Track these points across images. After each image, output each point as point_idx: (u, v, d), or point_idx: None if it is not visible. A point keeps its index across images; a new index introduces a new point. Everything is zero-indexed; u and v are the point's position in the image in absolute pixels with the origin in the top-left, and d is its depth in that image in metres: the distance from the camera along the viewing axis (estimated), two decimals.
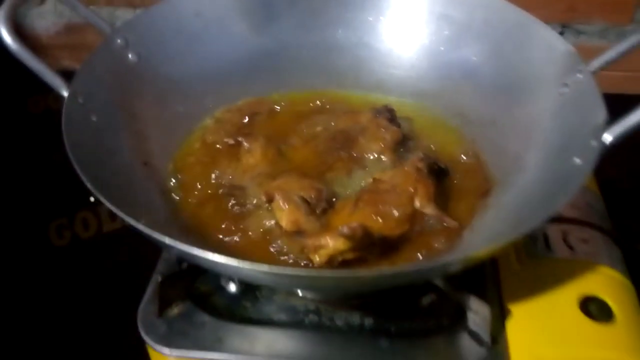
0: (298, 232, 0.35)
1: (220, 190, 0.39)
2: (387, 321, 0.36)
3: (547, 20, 0.70)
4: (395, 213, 0.36)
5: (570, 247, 0.39)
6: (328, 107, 0.46)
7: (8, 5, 0.36)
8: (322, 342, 0.35)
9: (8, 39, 0.36)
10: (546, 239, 0.39)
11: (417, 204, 0.37)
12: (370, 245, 0.33)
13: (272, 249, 0.35)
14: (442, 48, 0.48)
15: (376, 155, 0.41)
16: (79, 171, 0.33)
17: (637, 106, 0.34)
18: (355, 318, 0.37)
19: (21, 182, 0.59)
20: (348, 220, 0.35)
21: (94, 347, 0.45)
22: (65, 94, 0.37)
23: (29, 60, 0.37)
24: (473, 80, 0.46)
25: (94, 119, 0.37)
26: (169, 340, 0.35)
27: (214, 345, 0.35)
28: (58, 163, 0.58)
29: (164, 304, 0.36)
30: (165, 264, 0.39)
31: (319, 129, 0.44)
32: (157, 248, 0.41)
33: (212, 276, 0.38)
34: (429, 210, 0.37)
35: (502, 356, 0.34)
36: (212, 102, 0.46)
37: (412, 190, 0.37)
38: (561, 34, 0.72)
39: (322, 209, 0.36)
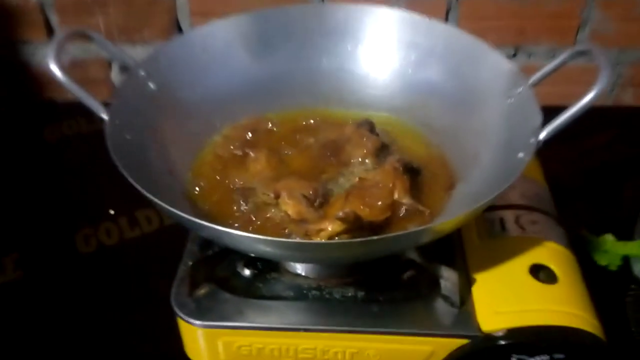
0: (302, 220, 0.43)
1: (234, 191, 0.46)
2: (376, 293, 0.44)
3: (501, 43, 0.79)
4: (379, 203, 0.44)
5: (522, 228, 0.47)
6: (317, 122, 0.54)
7: (56, 44, 0.44)
8: (323, 311, 0.43)
9: (57, 72, 0.43)
10: (502, 222, 0.48)
11: (396, 195, 0.45)
12: (360, 229, 0.41)
13: (279, 228, 0.43)
14: (410, 70, 0.55)
15: (360, 160, 0.49)
16: (127, 175, 0.39)
17: (561, 113, 0.42)
18: (349, 291, 0.44)
19: (48, 199, 0.65)
20: (341, 209, 0.43)
21: (126, 331, 0.51)
22: (105, 117, 0.44)
23: (75, 90, 0.44)
24: (436, 96, 0.53)
25: (127, 137, 0.44)
26: (198, 314, 0.42)
27: (235, 317, 0.42)
28: (79, 183, 0.65)
29: (192, 286, 0.43)
30: (189, 254, 0.46)
31: (311, 140, 0.51)
32: (172, 248, 0.48)
33: (229, 263, 0.46)
34: (406, 200, 0.45)
35: (470, 314, 0.42)
36: (219, 121, 0.53)
37: (392, 185, 0.45)
38: (514, 55, 0.80)
39: (319, 203, 0.44)
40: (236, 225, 0.43)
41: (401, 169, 0.46)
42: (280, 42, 0.55)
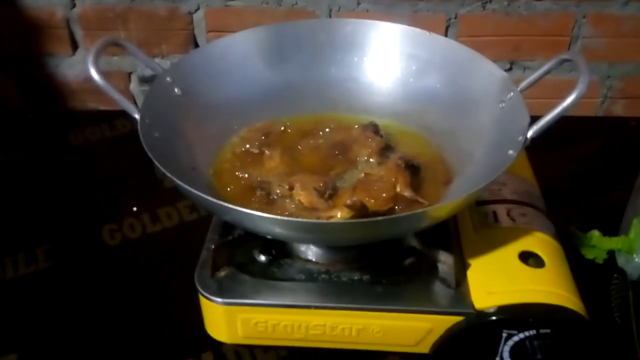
0: (313, 209, 0.47)
1: (251, 185, 0.51)
2: (380, 276, 0.49)
3: (498, 58, 0.84)
4: (383, 195, 0.48)
5: (513, 219, 0.51)
6: (326, 125, 0.58)
7: (94, 51, 0.49)
8: (332, 291, 0.47)
9: (96, 76, 0.48)
10: (495, 214, 0.52)
11: (398, 189, 0.49)
12: (365, 217, 0.46)
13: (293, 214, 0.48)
14: (411, 79, 0.59)
15: (366, 158, 0.53)
16: (159, 165, 0.44)
17: (545, 114, 0.47)
18: (356, 275, 0.49)
19: (76, 196, 0.70)
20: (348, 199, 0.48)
21: (148, 314, 0.55)
22: (137, 116, 0.49)
23: (111, 92, 0.49)
24: (435, 102, 0.57)
25: (156, 135, 0.49)
26: (219, 293, 0.47)
27: (253, 295, 0.47)
28: (104, 183, 0.70)
29: (214, 268, 0.48)
30: (210, 241, 0.51)
31: (321, 141, 0.56)
32: (190, 242, 0.52)
33: (247, 250, 0.50)
34: (407, 193, 0.49)
35: (465, 294, 0.46)
36: (237, 124, 0.57)
37: (394, 180, 0.50)
38: (510, 69, 0.84)
39: (329, 194, 0.49)
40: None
41: (403, 165, 0.51)
42: (293, 53, 0.60)
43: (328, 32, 0.61)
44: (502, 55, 0.83)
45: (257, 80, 0.59)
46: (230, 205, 0.40)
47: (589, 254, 0.59)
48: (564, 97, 0.46)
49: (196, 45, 0.85)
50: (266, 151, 0.54)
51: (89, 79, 0.49)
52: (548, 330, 0.44)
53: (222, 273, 0.48)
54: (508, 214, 0.52)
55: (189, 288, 0.49)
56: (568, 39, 0.82)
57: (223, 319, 0.47)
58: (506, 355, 0.46)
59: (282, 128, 0.58)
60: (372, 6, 0.81)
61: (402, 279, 0.48)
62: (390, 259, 0.50)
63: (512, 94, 0.51)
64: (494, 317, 0.44)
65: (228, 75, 0.58)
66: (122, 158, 0.74)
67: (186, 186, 0.42)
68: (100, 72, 0.49)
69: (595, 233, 0.59)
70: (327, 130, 0.57)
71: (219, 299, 0.46)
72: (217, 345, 0.50)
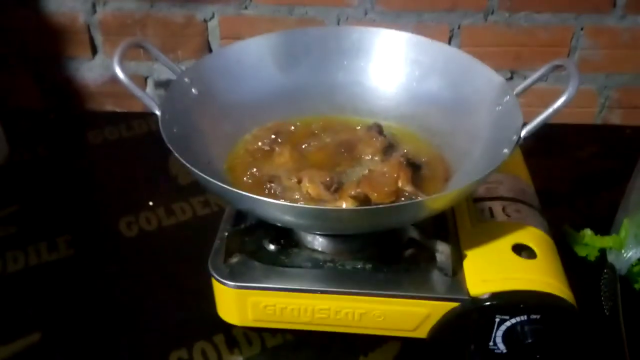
0: (320, 200, 0.51)
1: (262, 179, 0.54)
2: (382, 265, 0.52)
3: (499, 67, 0.86)
4: (385, 189, 0.51)
5: (508, 215, 0.54)
6: (333, 126, 0.61)
7: (120, 51, 0.52)
8: (336, 277, 0.51)
9: (121, 74, 0.51)
10: (491, 210, 0.55)
11: (400, 184, 0.52)
12: None
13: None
14: (414, 84, 0.61)
15: (370, 156, 0.56)
16: (179, 157, 0.47)
17: (537, 115, 0.50)
18: (359, 264, 0.52)
19: (95, 191, 0.73)
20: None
21: (163, 299, 0.58)
22: (158, 112, 0.52)
23: (135, 90, 0.52)
24: (437, 105, 0.60)
25: (175, 130, 0.52)
26: (231, 277, 0.50)
27: (262, 280, 0.50)
28: (122, 179, 0.74)
29: (227, 255, 0.51)
30: (223, 230, 0.54)
31: (328, 140, 0.59)
32: (203, 234, 0.56)
33: (257, 239, 0.54)
34: (408, 188, 0.52)
35: (461, 282, 0.49)
36: (249, 123, 0.60)
37: (396, 176, 0.53)
38: (511, 78, 0.87)
39: (334, 188, 0.52)
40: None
41: (405, 162, 0.54)
42: (303, 58, 0.63)
43: (337, 39, 0.64)
44: (503, 64, 0.86)
45: (269, 82, 0.62)
46: (246, 193, 0.44)
47: (582, 252, 0.62)
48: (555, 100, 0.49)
49: (210, 51, 0.88)
50: (276, 148, 0.57)
51: (114, 77, 0.52)
52: (538, 316, 0.47)
53: (234, 259, 0.51)
54: (503, 210, 0.55)
55: (202, 276, 0.52)
56: (567, 50, 0.85)
57: (234, 302, 0.50)
58: (499, 339, 0.49)
59: (292, 128, 0.62)
60: (379, 16, 0.84)
61: (403, 267, 0.51)
62: (391, 250, 0.53)
63: (508, 97, 0.54)
64: (487, 303, 0.47)
65: (242, 77, 0.61)
66: (139, 156, 0.78)
67: (205, 176, 0.45)
68: (124, 71, 0.52)
69: (588, 232, 0.62)
70: (333, 130, 0.61)
71: (231, 283, 0.50)
72: (227, 328, 0.54)
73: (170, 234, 0.66)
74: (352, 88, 0.64)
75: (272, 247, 0.53)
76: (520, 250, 0.51)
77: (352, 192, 0.47)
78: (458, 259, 0.51)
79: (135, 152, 0.79)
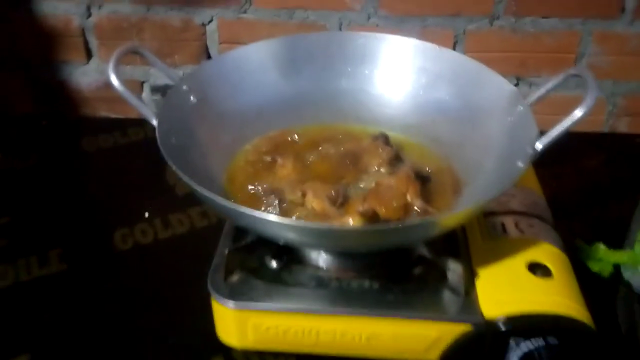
0: (325, 216, 0.48)
1: (264, 192, 0.52)
2: (390, 284, 0.49)
3: (504, 74, 0.85)
4: (394, 204, 0.49)
5: (521, 231, 0.52)
6: (337, 135, 0.59)
7: (115, 58, 0.50)
8: (342, 298, 0.48)
9: (116, 82, 0.49)
10: (503, 225, 0.53)
11: (409, 198, 0.50)
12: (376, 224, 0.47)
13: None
14: (421, 92, 0.59)
15: (376, 168, 0.54)
16: (177, 170, 0.45)
17: (554, 127, 0.48)
18: (366, 283, 0.49)
19: (89, 201, 0.71)
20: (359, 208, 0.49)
21: (159, 319, 0.55)
22: (155, 122, 0.50)
23: (130, 98, 0.50)
24: (444, 114, 0.58)
25: (173, 141, 0.49)
26: (232, 297, 0.47)
27: (265, 299, 0.47)
28: (117, 189, 0.71)
29: (227, 272, 0.49)
30: (223, 246, 0.52)
31: (332, 150, 0.57)
32: (201, 248, 0.53)
33: (259, 256, 0.51)
34: (417, 202, 0.50)
35: (473, 303, 0.47)
36: (250, 132, 0.58)
37: (404, 189, 0.51)
38: (516, 84, 0.85)
39: (340, 202, 0.50)
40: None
41: (413, 175, 0.52)
42: (305, 65, 0.61)
43: (340, 45, 0.62)
44: (508, 71, 0.85)
45: (270, 90, 0.60)
46: (246, 210, 0.41)
47: (595, 267, 0.60)
48: (571, 111, 0.47)
49: (208, 56, 0.86)
50: (278, 159, 0.55)
51: (109, 85, 0.50)
52: (555, 340, 0.45)
53: (235, 277, 0.49)
54: (516, 225, 0.53)
55: (200, 293, 0.49)
56: (573, 56, 0.84)
57: (234, 323, 0.48)
58: None
59: (294, 137, 0.59)
60: (382, 21, 0.82)
61: (412, 287, 0.49)
62: (400, 268, 0.51)
63: (521, 107, 0.52)
64: (502, 326, 0.45)
65: (242, 85, 0.59)
66: (134, 165, 0.75)
67: (204, 191, 0.43)
68: (120, 79, 0.50)
69: (601, 246, 0.60)
70: (337, 140, 0.58)
71: (231, 302, 0.47)
72: (227, 350, 0.51)
73: (167, 248, 0.64)
74: (356, 96, 0.62)
75: (274, 264, 0.51)
76: (535, 268, 0.49)
77: (360, 209, 0.45)
78: (470, 277, 0.48)
79: (131, 160, 0.76)
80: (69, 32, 0.84)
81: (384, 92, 0.62)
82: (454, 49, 0.83)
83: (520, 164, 0.47)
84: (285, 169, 0.54)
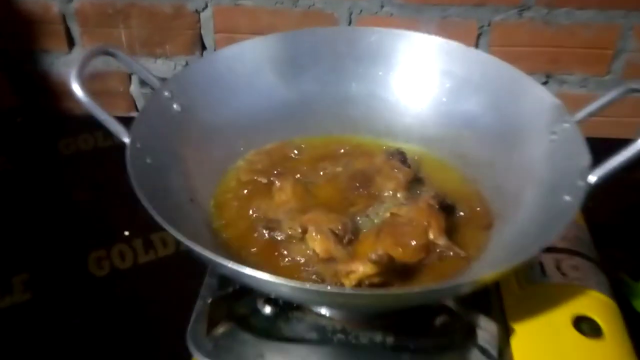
0: (330, 259, 0.40)
1: (258, 223, 0.44)
2: (406, 339, 0.41)
3: (533, 71, 0.78)
4: (413, 243, 0.41)
5: (563, 274, 0.44)
6: (345, 150, 0.52)
7: (79, 66, 0.42)
8: (350, 356, 0.41)
9: (79, 92, 0.42)
10: (542, 266, 0.45)
11: (431, 235, 0.42)
12: (392, 271, 0.39)
13: (304, 268, 0.41)
14: (444, 99, 0.54)
15: (392, 193, 0.47)
16: (147, 205, 0.37)
17: (618, 151, 0.40)
18: (377, 337, 0.42)
19: (61, 216, 0.63)
20: (372, 248, 0.40)
21: None
22: (126, 140, 0.42)
23: (97, 111, 0.42)
24: (472, 127, 0.52)
25: (148, 161, 0.43)
26: (216, 356, 0.40)
27: (256, 358, 0.40)
28: (94, 201, 0.63)
29: (210, 325, 0.41)
30: (207, 290, 0.44)
31: (339, 169, 0.50)
32: (189, 275, 0.46)
33: (249, 300, 0.43)
34: (441, 241, 0.42)
35: None
36: (243, 145, 0.52)
37: (426, 224, 0.43)
38: (545, 82, 0.78)
39: (348, 239, 0.42)
40: (259, 260, 0.41)
41: (436, 205, 0.44)
42: (309, 65, 0.55)
43: (350, 42, 0.55)
44: (537, 67, 0.77)
45: (268, 95, 0.54)
46: (228, 263, 0.33)
47: None
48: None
49: (203, 47, 0.79)
50: (276, 182, 0.47)
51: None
52: None
53: (220, 330, 0.41)
54: (557, 267, 0.45)
55: (183, 337, 0.42)
56: (611, 53, 0.76)
57: None
58: None
59: (295, 151, 0.52)
60: (397, 10, 0.74)
61: (433, 343, 0.41)
62: (418, 317, 0.42)
63: (566, 125, 0.45)
64: None
65: (235, 89, 0.53)
66: (116, 173, 0.67)
67: (178, 233, 0.35)
68: (85, 87, 0.42)
69: None
70: (346, 156, 0.51)
71: None
72: None
73: (148, 274, 0.56)
74: (367, 102, 0.56)
75: (268, 310, 0.43)
76: (582, 323, 0.41)
77: (373, 256, 0.37)
78: (504, 335, 0.40)
79: (112, 167, 0.67)
80: (49, 18, 0.78)
81: (400, 98, 0.55)
82: (476, 42, 0.76)
83: (568, 198, 0.39)
84: (284, 193, 0.46)
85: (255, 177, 0.48)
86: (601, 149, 0.42)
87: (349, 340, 0.41)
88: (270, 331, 0.42)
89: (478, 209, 0.46)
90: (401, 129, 0.54)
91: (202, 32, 0.77)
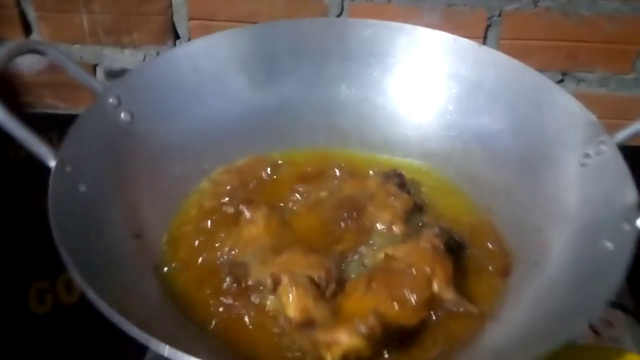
0: (308, 323, 0.32)
1: (220, 267, 0.36)
2: None
3: (548, 67, 0.71)
4: (412, 298, 0.33)
5: (596, 332, 0.37)
6: (332, 169, 0.44)
7: None
8: None
9: None
10: None
11: (436, 287, 0.34)
12: (387, 339, 0.31)
13: (277, 338, 0.33)
14: (450, 107, 0.48)
15: (386, 226, 0.39)
16: (63, 256, 0.30)
17: None
18: None
19: None
20: (361, 304, 0.33)
21: None
22: (52, 164, 0.34)
23: (15, 129, 0.35)
24: (484, 144, 0.46)
25: (82, 189, 0.35)
26: None
27: None
28: (35, 225, 0.55)
29: None
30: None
31: (323, 194, 0.42)
32: None
33: None
34: (449, 295, 0.34)
35: None
36: (209, 162, 0.45)
37: (429, 271, 0.35)
38: (561, 81, 0.72)
39: (332, 291, 0.34)
40: (220, 320, 0.33)
41: (442, 246, 0.36)
42: (290, 64, 0.49)
43: (339, 37, 0.49)
44: (553, 64, 0.71)
45: (239, 101, 0.48)
46: (165, 349, 0.25)
47: None
48: None
49: (175, 35, 0.73)
50: (245, 212, 0.39)
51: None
52: None
53: None
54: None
55: None
56: (636, 49, 0.70)
57: None
58: None
59: (269, 170, 0.44)
60: None
61: None
62: None
63: (603, 147, 0.37)
64: None
65: (198, 93, 0.46)
66: None
67: (108, 307, 0.27)
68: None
69: None
70: (332, 178, 0.44)
71: None
72: None
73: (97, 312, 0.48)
74: (359, 109, 0.50)
75: None
76: None
77: (362, 328, 0.29)
78: None
79: None
80: (1, 2, 0.72)
81: (399, 104, 0.49)
82: (485, 35, 0.69)
83: (610, 246, 0.31)
84: (254, 227, 0.38)
85: (221, 203, 0.40)
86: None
87: None
88: None
89: (491, 246, 0.39)
90: (399, 141, 0.48)
91: (175, 18, 0.71)
